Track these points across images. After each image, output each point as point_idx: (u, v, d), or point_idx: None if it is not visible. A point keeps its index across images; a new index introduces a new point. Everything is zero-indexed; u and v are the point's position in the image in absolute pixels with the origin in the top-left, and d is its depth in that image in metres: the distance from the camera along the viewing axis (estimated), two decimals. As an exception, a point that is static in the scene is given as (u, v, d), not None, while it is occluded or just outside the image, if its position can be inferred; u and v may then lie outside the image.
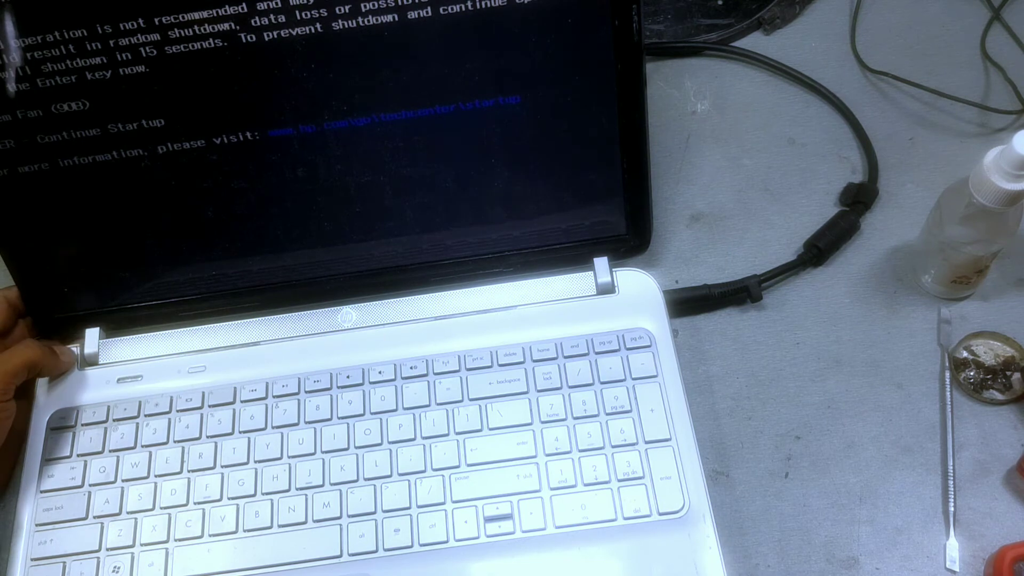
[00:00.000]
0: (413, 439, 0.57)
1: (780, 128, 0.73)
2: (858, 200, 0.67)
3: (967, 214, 0.57)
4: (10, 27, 0.52)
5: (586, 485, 0.56)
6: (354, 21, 0.54)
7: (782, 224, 0.68)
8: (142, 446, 0.58)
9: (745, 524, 0.57)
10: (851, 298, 0.65)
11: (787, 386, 0.61)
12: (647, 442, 0.57)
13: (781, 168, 0.71)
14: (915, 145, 0.71)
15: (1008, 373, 0.60)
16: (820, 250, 0.65)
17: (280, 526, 0.55)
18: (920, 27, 0.77)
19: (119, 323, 0.63)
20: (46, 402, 0.61)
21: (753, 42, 0.78)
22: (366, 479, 0.56)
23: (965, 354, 0.61)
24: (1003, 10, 0.76)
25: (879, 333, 0.63)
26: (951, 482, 0.57)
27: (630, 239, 0.64)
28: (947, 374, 0.60)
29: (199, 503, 0.56)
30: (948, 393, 0.60)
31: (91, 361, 0.62)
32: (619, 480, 0.56)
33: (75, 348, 0.63)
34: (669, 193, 0.70)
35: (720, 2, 0.80)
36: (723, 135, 0.73)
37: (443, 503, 0.55)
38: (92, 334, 0.63)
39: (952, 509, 0.56)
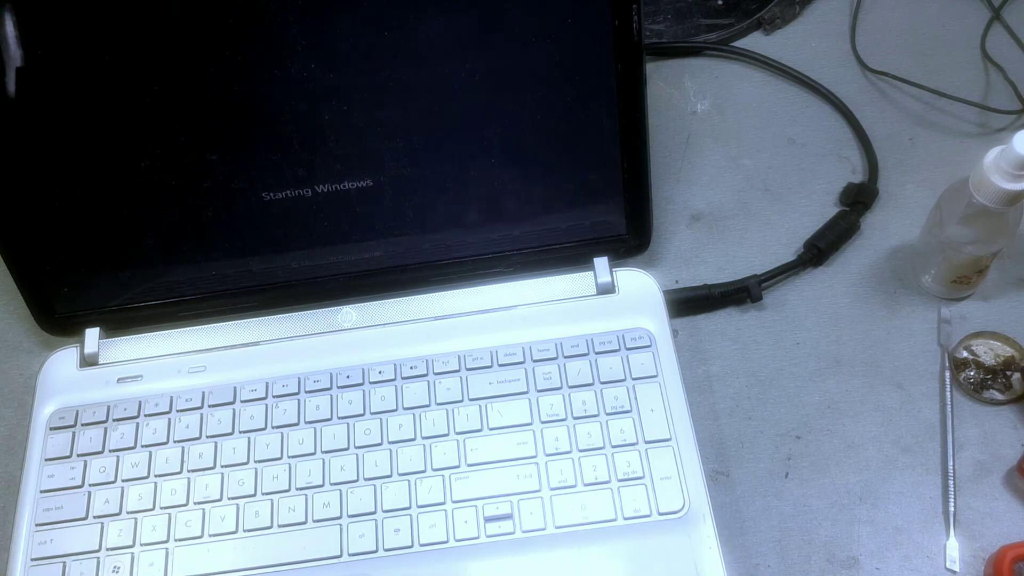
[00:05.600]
0: (413, 439, 0.58)
1: (780, 128, 0.73)
2: (858, 200, 0.67)
3: (967, 214, 0.57)
4: (9, 21, 0.52)
5: (586, 485, 0.56)
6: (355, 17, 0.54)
7: (782, 224, 0.68)
8: (142, 446, 0.58)
9: (745, 524, 0.57)
10: (851, 298, 0.65)
11: (787, 386, 0.61)
12: (647, 442, 0.57)
13: (781, 168, 0.71)
14: (915, 145, 0.71)
15: (1008, 373, 0.60)
16: (820, 250, 0.65)
17: (280, 526, 0.55)
18: (920, 27, 0.77)
19: (119, 323, 0.64)
20: (46, 402, 0.61)
21: (753, 42, 0.78)
22: (366, 479, 0.56)
23: (965, 354, 0.61)
24: (1003, 10, 0.76)
25: (879, 333, 0.63)
26: (951, 482, 0.57)
27: (630, 239, 0.64)
28: (947, 374, 0.60)
29: (199, 503, 0.56)
30: (948, 393, 0.60)
31: (91, 361, 0.62)
32: (619, 480, 0.56)
33: (75, 348, 0.63)
34: (669, 193, 0.70)
35: (720, 2, 0.80)
36: (723, 135, 0.73)
37: (443, 503, 0.55)
38: (92, 334, 0.63)
39: (952, 509, 0.56)
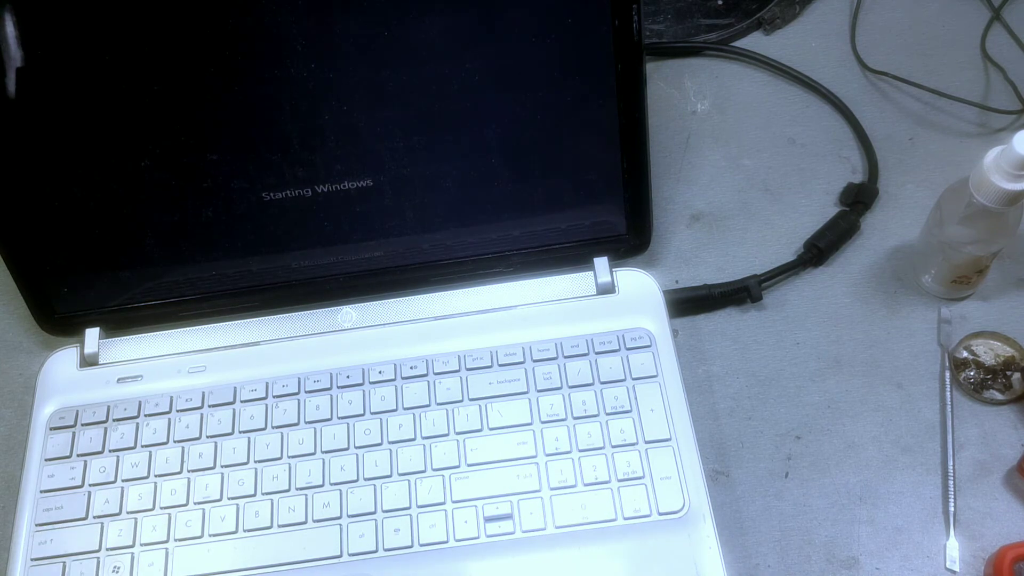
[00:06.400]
0: (413, 439, 0.58)
1: (780, 128, 0.73)
2: (858, 200, 0.67)
3: (967, 214, 0.57)
4: (9, 21, 0.52)
5: (586, 485, 0.56)
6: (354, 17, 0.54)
7: (782, 224, 0.68)
8: (142, 446, 0.58)
9: (745, 524, 0.57)
10: (851, 298, 0.65)
11: (787, 386, 0.61)
12: (647, 442, 0.57)
13: (781, 168, 0.71)
14: (915, 145, 0.71)
15: (1008, 373, 0.60)
16: (820, 250, 0.65)
17: (280, 526, 0.55)
18: (920, 27, 0.77)
19: (119, 323, 0.64)
20: (46, 402, 0.61)
21: (753, 42, 0.78)
22: (366, 479, 0.56)
23: (965, 354, 0.61)
24: (1003, 10, 0.76)
25: (879, 333, 0.63)
26: (951, 482, 0.57)
27: (630, 239, 0.64)
28: (947, 374, 0.60)
29: (199, 503, 0.56)
30: (948, 393, 0.60)
31: (91, 361, 0.62)
32: (619, 480, 0.56)
33: (75, 348, 0.63)
34: (669, 193, 0.70)
35: (720, 2, 0.80)
36: (723, 135, 0.73)
37: (443, 503, 0.55)
38: (92, 334, 0.63)
39: (952, 509, 0.56)
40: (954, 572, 0.55)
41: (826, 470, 0.58)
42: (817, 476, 0.58)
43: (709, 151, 0.72)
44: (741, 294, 0.64)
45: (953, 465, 0.57)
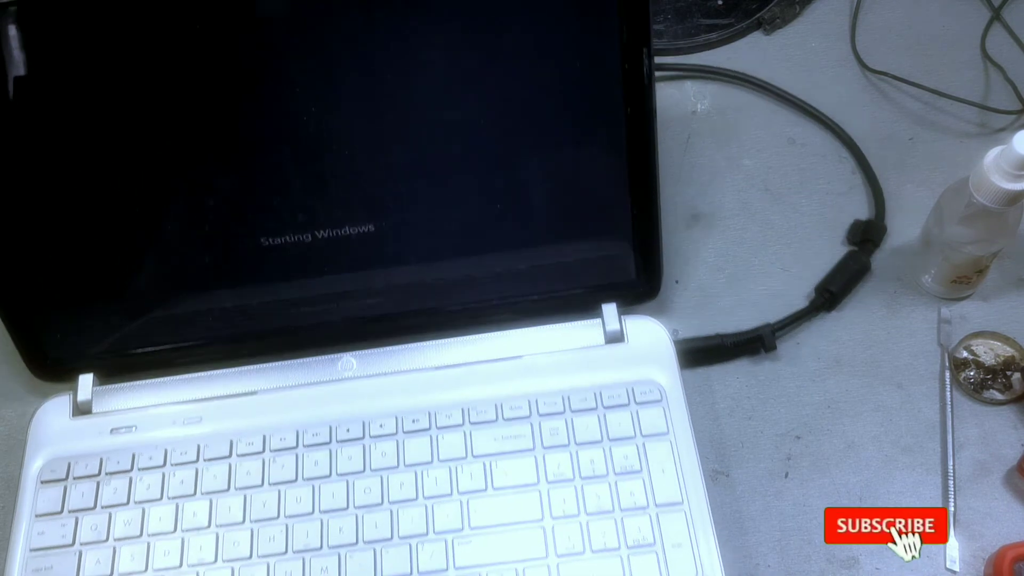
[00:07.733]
0: (415, 499, 0.55)
1: (780, 128, 0.72)
2: (866, 238, 0.66)
3: (967, 214, 0.56)
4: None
5: (594, 552, 0.53)
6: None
7: (782, 224, 0.68)
8: (135, 502, 0.56)
9: (745, 524, 0.57)
10: (851, 298, 0.64)
11: (787, 386, 0.61)
12: (658, 505, 0.54)
13: (781, 168, 0.70)
14: (915, 145, 0.71)
15: (1008, 373, 0.60)
16: (832, 294, 0.64)
17: (276, 592, 0.54)
18: (920, 27, 0.77)
19: (113, 369, 0.61)
20: (37, 453, 0.58)
21: (753, 42, 0.77)
22: (366, 542, 0.54)
23: (965, 354, 0.61)
24: (1003, 10, 0.76)
25: (879, 333, 0.63)
26: (951, 482, 0.57)
27: (639, 285, 0.62)
28: (947, 374, 0.60)
29: (192, 565, 0.54)
30: (948, 393, 0.60)
31: (84, 409, 0.60)
32: (628, 547, 0.53)
33: (68, 396, 0.61)
34: (669, 193, 0.68)
35: (720, 2, 0.79)
36: (723, 135, 0.72)
37: (446, 570, 0.53)
38: (86, 380, 0.60)
39: (952, 509, 0.56)
40: (954, 572, 0.55)
41: (826, 470, 0.58)
42: (817, 476, 0.58)
43: (709, 151, 0.71)
44: (755, 344, 0.62)
45: (953, 465, 0.58)
